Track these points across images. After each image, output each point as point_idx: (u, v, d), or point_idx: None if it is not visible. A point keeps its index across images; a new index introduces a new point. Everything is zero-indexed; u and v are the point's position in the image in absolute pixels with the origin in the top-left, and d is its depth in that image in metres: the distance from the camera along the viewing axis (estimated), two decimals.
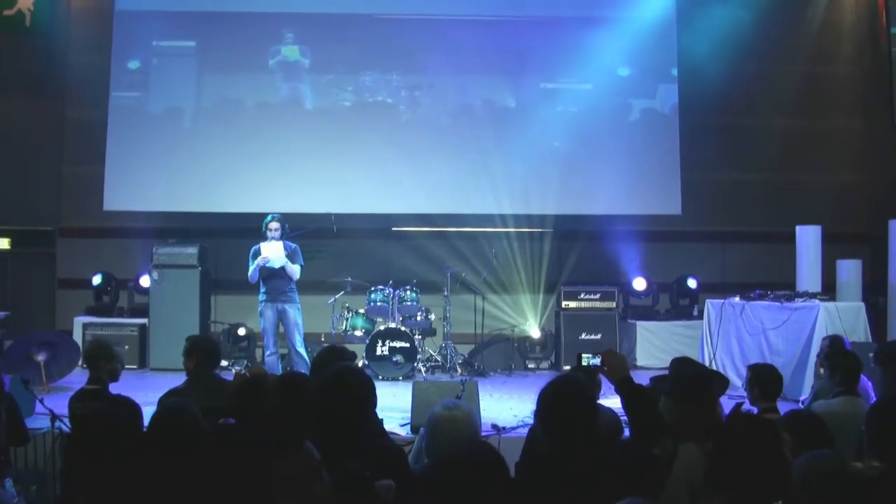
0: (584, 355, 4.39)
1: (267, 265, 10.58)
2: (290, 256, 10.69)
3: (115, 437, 3.59)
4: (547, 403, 3.94)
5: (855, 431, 4.84)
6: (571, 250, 14.08)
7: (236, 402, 4.56)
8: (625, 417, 4.28)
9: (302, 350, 10.72)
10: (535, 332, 13.61)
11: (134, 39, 14.07)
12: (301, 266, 10.78)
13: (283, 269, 10.66)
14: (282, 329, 10.85)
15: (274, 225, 10.73)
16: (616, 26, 13.95)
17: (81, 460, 3.58)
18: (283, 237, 10.80)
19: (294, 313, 10.75)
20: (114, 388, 6.47)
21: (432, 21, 14.18)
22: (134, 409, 4.14)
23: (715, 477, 3.46)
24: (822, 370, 7.69)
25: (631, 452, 4.14)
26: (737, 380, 10.89)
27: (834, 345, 7.68)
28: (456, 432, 4.07)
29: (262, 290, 10.77)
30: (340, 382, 4.31)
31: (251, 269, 10.69)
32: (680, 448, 3.94)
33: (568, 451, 3.79)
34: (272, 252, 10.58)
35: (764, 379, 6.21)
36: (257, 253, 10.70)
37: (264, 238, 10.75)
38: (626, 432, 4.99)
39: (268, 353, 10.74)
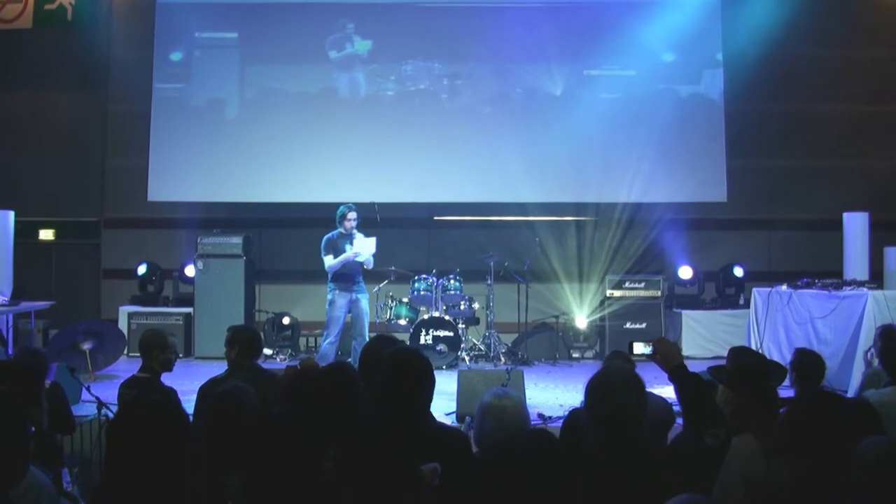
0: (636, 343, 4.34)
1: (356, 259, 10.67)
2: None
3: (156, 425, 3.56)
4: (596, 394, 3.88)
5: None
6: (616, 238, 13.97)
7: (289, 393, 4.54)
8: (678, 407, 4.22)
9: (367, 338, 10.73)
10: (580, 322, 13.54)
11: (176, 31, 14.15)
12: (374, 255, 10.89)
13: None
14: (348, 318, 10.95)
15: (353, 215, 10.80)
16: (659, 11, 13.81)
17: (121, 447, 3.56)
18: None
19: (365, 303, 10.89)
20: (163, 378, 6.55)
21: (474, 9, 14.10)
22: (177, 399, 4.12)
23: (785, 447, 3.43)
24: (874, 360, 7.60)
25: (683, 442, 4.09)
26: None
27: (887, 334, 7.55)
28: (506, 421, 4.04)
29: (335, 279, 10.81)
30: (402, 363, 4.31)
31: (336, 261, 10.69)
32: (735, 439, 3.88)
33: (617, 442, 3.74)
34: (365, 248, 10.69)
35: (806, 364, 6.15)
36: (332, 242, 10.76)
37: (336, 228, 10.84)
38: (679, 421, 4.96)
39: (329, 341, 10.77)
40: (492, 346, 12.51)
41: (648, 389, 3.97)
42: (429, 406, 4.36)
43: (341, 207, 10.90)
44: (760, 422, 3.93)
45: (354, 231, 10.83)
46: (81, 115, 14.42)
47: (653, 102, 14.07)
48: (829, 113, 14.33)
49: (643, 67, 14.10)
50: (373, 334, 10.16)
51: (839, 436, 3.39)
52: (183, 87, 14.36)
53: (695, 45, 14.14)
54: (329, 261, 10.71)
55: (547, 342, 13.17)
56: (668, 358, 4.12)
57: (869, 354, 8.20)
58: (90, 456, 7.04)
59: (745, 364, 4.34)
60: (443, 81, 14.30)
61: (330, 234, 10.86)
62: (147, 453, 3.46)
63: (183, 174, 13.88)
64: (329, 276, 10.82)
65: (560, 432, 5.13)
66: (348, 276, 10.78)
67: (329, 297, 10.85)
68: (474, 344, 12.79)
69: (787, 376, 6.18)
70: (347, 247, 10.71)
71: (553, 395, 10.02)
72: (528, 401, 8.55)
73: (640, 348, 4.30)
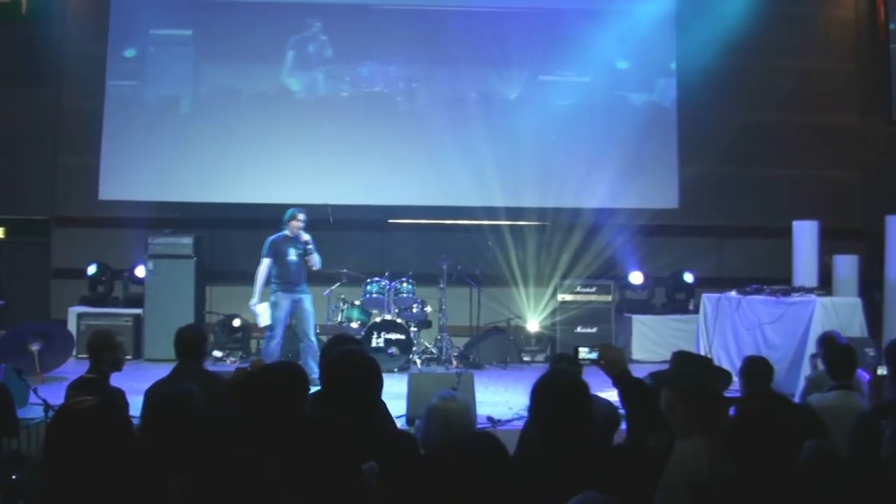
0: (581, 349, 4.37)
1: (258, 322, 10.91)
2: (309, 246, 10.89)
3: (95, 427, 3.53)
4: (540, 398, 3.91)
5: (849, 426, 4.85)
6: (568, 243, 14.00)
7: (238, 395, 4.52)
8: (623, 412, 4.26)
9: (314, 339, 10.87)
10: (531, 325, 13.59)
11: (131, 27, 14.00)
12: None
13: (300, 259, 10.82)
14: (292, 320, 10.97)
15: (302, 217, 10.90)
16: (614, 19, 13.89)
17: (59, 450, 3.53)
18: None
19: (309, 303, 10.90)
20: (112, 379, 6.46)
21: (431, 12, 14.12)
22: (121, 402, 4.06)
23: (735, 442, 3.55)
24: (817, 364, 7.73)
25: (626, 445, 4.13)
26: (733, 374, 10.88)
27: (827, 341, 7.68)
28: (451, 423, 4.07)
29: (277, 280, 10.81)
30: (348, 364, 4.29)
31: (258, 284, 10.84)
32: (679, 443, 3.92)
33: (563, 446, 3.77)
34: (263, 317, 10.86)
35: (754, 370, 6.31)
36: (275, 246, 10.80)
37: (283, 230, 10.90)
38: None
39: (275, 341, 10.75)
40: (444, 349, 12.52)
41: (594, 393, 4.00)
42: (375, 405, 4.36)
43: (291, 209, 10.93)
44: (704, 425, 3.97)
45: (300, 233, 10.85)
46: (33, 111, 14.15)
47: (606, 109, 14.20)
48: (780, 122, 14.50)
49: (597, 74, 14.21)
50: (323, 337, 10.14)
51: (785, 435, 3.51)
52: (136, 84, 14.21)
53: (649, 54, 14.31)
54: (264, 267, 10.81)
55: (498, 346, 13.19)
56: (612, 363, 4.15)
57: (815, 360, 8.33)
58: (38, 459, 6.95)
59: (687, 367, 4.38)
60: (398, 84, 14.32)
61: (274, 237, 10.90)
62: (86, 456, 3.43)
63: (135, 173, 13.72)
64: (272, 276, 10.85)
65: (518, 440, 5.14)
66: (291, 278, 10.81)
67: (272, 298, 10.83)
68: (426, 347, 12.78)
69: (737, 382, 6.27)
70: (291, 250, 10.79)
71: (503, 398, 10.03)
72: (478, 404, 8.53)
73: (584, 353, 4.33)
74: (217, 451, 3.78)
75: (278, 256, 10.77)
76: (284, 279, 10.80)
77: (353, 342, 5.70)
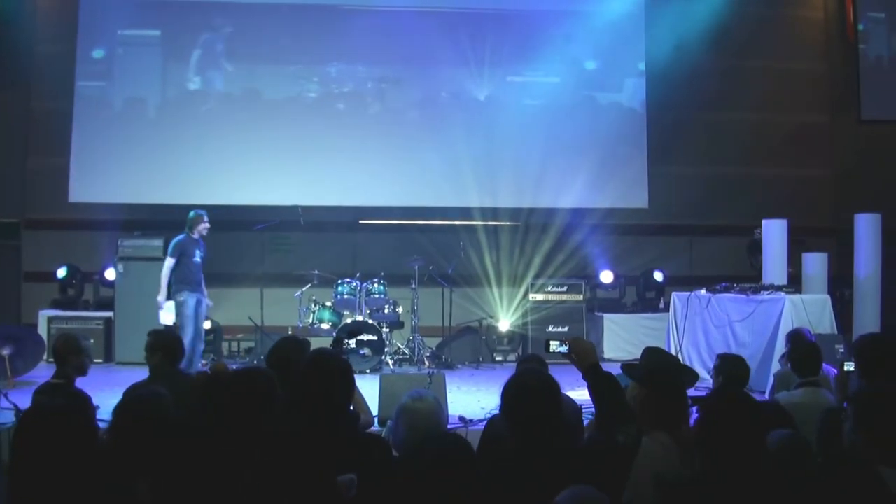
0: (552, 342, 4.40)
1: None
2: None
3: (62, 433, 3.51)
4: (511, 398, 3.93)
5: (817, 421, 4.91)
6: (539, 243, 14.06)
7: (201, 399, 4.50)
8: (587, 407, 4.28)
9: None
10: (503, 325, 13.63)
11: (99, 28, 13.95)
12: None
13: (202, 262, 11.07)
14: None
15: (206, 219, 11.15)
16: (584, 21, 14.01)
17: (24, 456, 3.51)
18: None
19: (205, 306, 11.27)
20: (80, 383, 6.40)
21: (399, 13, 14.08)
22: (87, 406, 4.02)
23: (701, 440, 3.63)
24: (786, 363, 7.78)
25: (596, 440, 4.15)
26: (703, 372, 10.94)
27: (795, 338, 7.75)
28: (419, 423, 4.07)
29: (183, 280, 10.96)
30: (320, 367, 4.28)
31: (163, 287, 10.97)
32: (646, 438, 3.95)
33: (534, 444, 3.79)
34: (168, 316, 11.01)
35: (730, 369, 6.27)
36: (181, 246, 10.98)
37: (190, 232, 11.07)
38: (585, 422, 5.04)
39: (188, 339, 10.54)
40: (416, 349, 12.49)
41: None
42: (347, 408, 4.36)
43: (193, 212, 11.11)
44: (670, 419, 4.01)
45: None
46: (1, 113, 14.05)
47: (576, 109, 14.32)
48: (749, 122, 14.64)
49: (567, 75, 14.35)
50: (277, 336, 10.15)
51: (751, 431, 3.58)
52: (105, 86, 14.15)
53: (618, 55, 14.44)
54: (167, 267, 10.98)
55: (470, 345, 13.24)
56: (582, 356, 4.16)
57: (784, 359, 8.39)
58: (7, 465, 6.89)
59: (656, 362, 4.42)
60: (367, 84, 14.34)
61: (179, 238, 11.05)
62: (51, 461, 3.41)
63: (105, 174, 13.68)
64: (174, 277, 10.97)
65: (480, 440, 5.15)
66: (195, 278, 11.05)
67: (180, 297, 10.92)
68: (398, 348, 12.74)
69: (712, 381, 6.31)
70: (196, 251, 11.02)
71: (475, 398, 10.04)
72: (450, 404, 8.54)
73: (555, 347, 4.35)
74: (185, 454, 3.75)
75: (184, 257, 10.95)
76: (190, 280, 10.97)
77: (300, 344, 5.70)
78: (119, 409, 4.26)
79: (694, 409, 4.01)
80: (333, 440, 3.94)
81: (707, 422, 3.65)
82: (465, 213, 13.91)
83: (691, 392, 4.48)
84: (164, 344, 6.57)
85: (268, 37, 14.10)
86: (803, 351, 6.57)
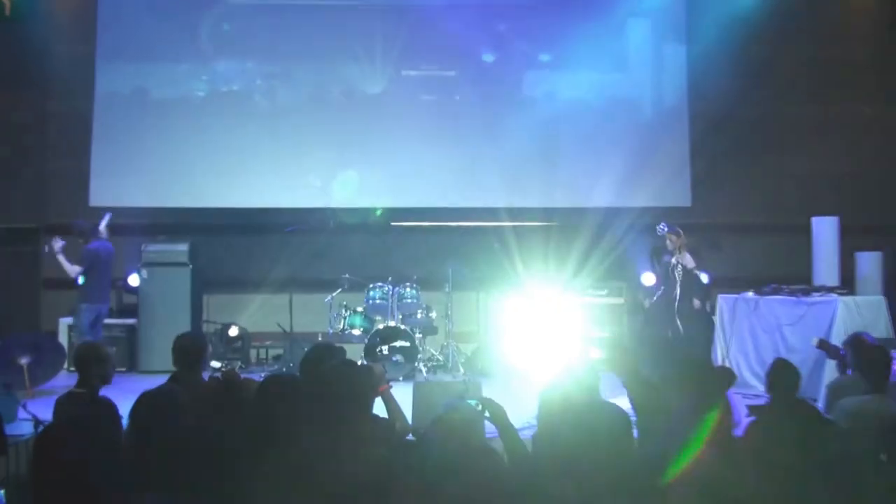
0: (591, 349, 4.30)
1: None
2: None
3: (87, 443, 3.48)
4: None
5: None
6: (577, 244, 13.62)
7: (213, 406, 4.32)
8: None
9: None
10: None
11: (119, 28, 13.66)
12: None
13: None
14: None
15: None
16: (622, 13, 13.77)
17: (47, 467, 3.47)
18: None
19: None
20: (103, 392, 6.29)
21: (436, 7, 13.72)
22: (114, 415, 3.87)
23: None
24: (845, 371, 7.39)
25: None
26: (752, 379, 10.50)
27: (856, 344, 7.27)
28: (454, 436, 3.99)
29: (96, 289, 11.11)
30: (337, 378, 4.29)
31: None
32: None
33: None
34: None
35: (780, 375, 5.84)
36: (94, 253, 11.03)
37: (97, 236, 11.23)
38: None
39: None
40: (450, 356, 12.24)
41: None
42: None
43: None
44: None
45: None
46: (19, 116, 13.85)
47: (617, 105, 13.99)
48: (797, 115, 14.21)
49: (609, 70, 14.00)
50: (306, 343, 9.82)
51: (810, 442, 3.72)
52: (126, 86, 13.86)
53: (659, 49, 14.12)
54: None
55: None
56: (621, 366, 3.96)
57: (840, 365, 7.96)
58: (27, 477, 6.69)
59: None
60: (409, 85, 13.98)
61: (94, 244, 11.17)
62: (74, 471, 3.36)
63: (127, 177, 13.44)
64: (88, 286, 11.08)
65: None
66: (107, 287, 11.43)
67: (86, 306, 11.08)
68: (432, 354, 12.53)
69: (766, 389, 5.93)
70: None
71: (514, 406, 9.61)
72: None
73: (594, 354, 4.20)
74: (198, 462, 3.74)
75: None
76: (104, 288, 11.31)
77: (333, 352, 5.77)
78: (136, 406, 4.29)
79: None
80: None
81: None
82: (502, 213, 13.57)
83: (748, 400, 4.43)
84: (181, 346, 6.46)
85: (298, 36, 13.76)
86: (871, 354, 6.21)
